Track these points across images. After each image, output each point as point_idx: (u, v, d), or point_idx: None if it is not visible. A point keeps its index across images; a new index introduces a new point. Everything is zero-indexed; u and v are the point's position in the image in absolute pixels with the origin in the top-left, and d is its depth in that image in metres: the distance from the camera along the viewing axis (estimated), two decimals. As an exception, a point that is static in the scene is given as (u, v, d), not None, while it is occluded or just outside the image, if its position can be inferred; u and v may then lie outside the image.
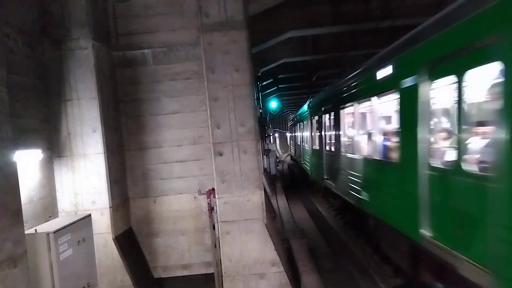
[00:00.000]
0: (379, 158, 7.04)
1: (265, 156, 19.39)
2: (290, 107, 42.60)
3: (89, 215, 5.63)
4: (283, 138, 54.29)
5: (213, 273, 6.57)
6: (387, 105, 6.91)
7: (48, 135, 6.06)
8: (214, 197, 6.29)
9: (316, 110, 14.12)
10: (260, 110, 18.48)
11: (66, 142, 6.17)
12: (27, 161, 5.41)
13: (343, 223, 11.79)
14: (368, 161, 7.61)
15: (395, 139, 6.28)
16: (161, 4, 6.86)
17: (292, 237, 8.99)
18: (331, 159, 11.24)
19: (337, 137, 10.16)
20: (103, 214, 6.23)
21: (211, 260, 6.76)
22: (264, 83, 21.17)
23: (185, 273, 7.13)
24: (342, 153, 9.68)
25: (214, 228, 6.41)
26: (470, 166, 4.21)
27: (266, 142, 22.16)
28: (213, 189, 6.36)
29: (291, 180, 22.99)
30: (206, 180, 6.99)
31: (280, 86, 25.08)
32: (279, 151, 45.15)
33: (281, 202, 14.95)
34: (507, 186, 3.51)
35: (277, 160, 25.99)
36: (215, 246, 6.42)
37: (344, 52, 17.72)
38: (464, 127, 4.26)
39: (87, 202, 6.22)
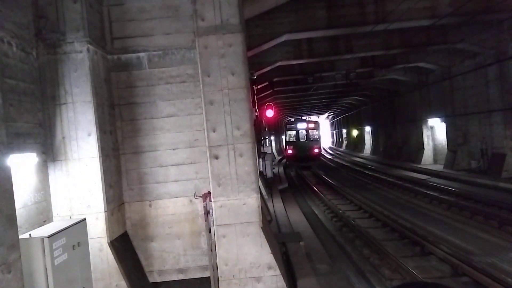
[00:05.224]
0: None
1: (261, 159, 19.37)
2: (286, 109, 42.67)
3: (84, 220, 5.58)
4: (278, 141, 54.34)
5: (209, 277, 6.54)
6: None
7: (43, 139, 6.03)
8: (210, 200, 6.28)
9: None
10: (256, 113, 18.48)
11: (61, 146, 6.13)
12: (22, 165, 5.37)
13: (340, 226, 11.80)
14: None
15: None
16: (157, 7, 6.86)
17: (288, 240, 8.98)
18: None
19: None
20: (98, 219, 6.18)
21: (207, 264, 6.73)
22: (260, 86, 21.18)
23: (181, 277, 7.09)
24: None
25: (210, 231, 6.38)
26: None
27: (262, 145, 22.15)
28: (209, 192, 6.35)
29: (288, 183, 22.97)
30: (202, 183, 6.97)
31: (275, 89, 25.11)
32: (275, 154, 45.50)
33: (277, 205, 14.93)
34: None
35: (273, 163, 26.05)
36: (211, 250, 6.40)
37: (339, 55, 17.79)
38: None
39: (82, 206, 6.17)
